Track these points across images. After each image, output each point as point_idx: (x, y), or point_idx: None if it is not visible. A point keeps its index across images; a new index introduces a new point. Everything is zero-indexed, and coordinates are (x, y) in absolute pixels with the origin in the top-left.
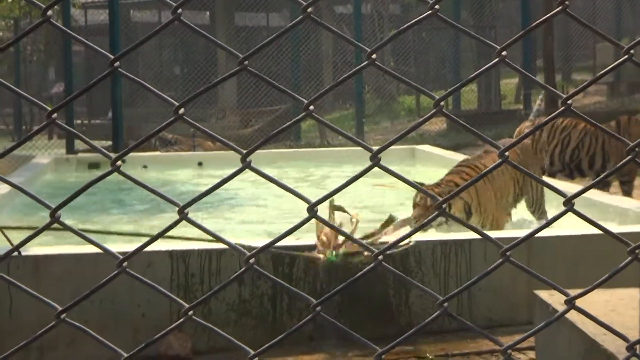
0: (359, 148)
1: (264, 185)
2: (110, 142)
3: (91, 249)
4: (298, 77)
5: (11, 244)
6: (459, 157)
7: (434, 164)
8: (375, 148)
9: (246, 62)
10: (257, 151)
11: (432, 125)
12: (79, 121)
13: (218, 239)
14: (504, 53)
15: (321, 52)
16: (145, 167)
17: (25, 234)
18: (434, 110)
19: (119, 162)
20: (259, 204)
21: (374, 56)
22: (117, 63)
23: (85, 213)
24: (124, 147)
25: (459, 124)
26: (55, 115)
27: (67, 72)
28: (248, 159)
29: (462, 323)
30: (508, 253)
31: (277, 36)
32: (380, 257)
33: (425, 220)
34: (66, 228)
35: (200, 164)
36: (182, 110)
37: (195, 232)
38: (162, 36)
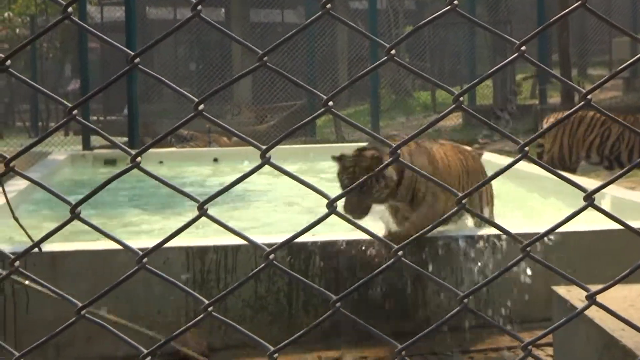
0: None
1: (281, 181)
2: (126, 139)
3: (108, 245)
4: (313, 73)
5: (32, 240)
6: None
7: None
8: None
9: (265, 59)
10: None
11: (448, 121)
12: (94, 117)
13: (238, 234)
14: (523, 48)
15: (336, 48)
16: (161, 163)
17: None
18: (454, 106)
19: (139, 159)
20: (276, 199)
21: (393, 52)
22: (137, 59)
23: (101, 209)
24: (139, 144)
25: (478, 119)
26: (75, 111)
27: (83, 69)
28: (267, 155)
29: (479, 319)
30: (528, 249)
31: (296, 32)
32: (400, 252)
33: (445, 216)
34: (87, 224)
35: (216, 160)
36: (202, 107)
37: (213, 228)
38: (178, 33)
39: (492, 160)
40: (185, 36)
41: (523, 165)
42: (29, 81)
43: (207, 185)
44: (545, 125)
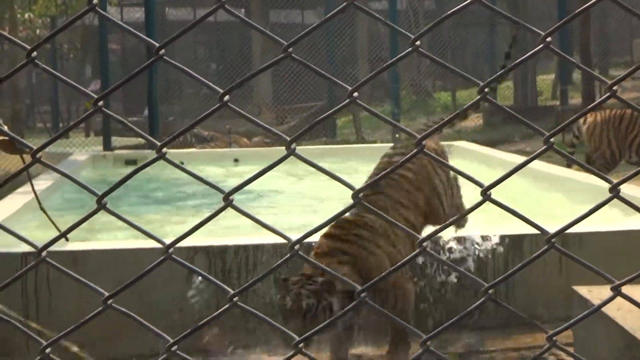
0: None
1: (300, 183)
2: None
3: (128, 245)
4: (334, 73)
5: (58, 230)
6: (495, 153)
7: (471, 160)
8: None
9: (290, 50)
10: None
11: (469, 122)
12: None
13: (262, 224)
14: (548, 39)
15: (356, 49)
16: (182, 163)
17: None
18: (479, 97)
19: (165, 150)
20: (293, 201)
21: (417, 43)
22: (162, 51)
23: (114, 206)
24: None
25: (504, 112)
26: (101, 103)
27: (104, 70)
28: (292, 146)
29: (498, 318)
30: (553, 240)
31: (321, 24)
32: (425, 243)
33: (471, 207)
34: (113, 214)
35: (236, 160)
36: (227, 98)
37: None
38: (198, 34)
39: (514, 161)
40: (205, 37)
41: (539, 165)
42: (55, 72)
43: (229, 185)
44: (582, 125)
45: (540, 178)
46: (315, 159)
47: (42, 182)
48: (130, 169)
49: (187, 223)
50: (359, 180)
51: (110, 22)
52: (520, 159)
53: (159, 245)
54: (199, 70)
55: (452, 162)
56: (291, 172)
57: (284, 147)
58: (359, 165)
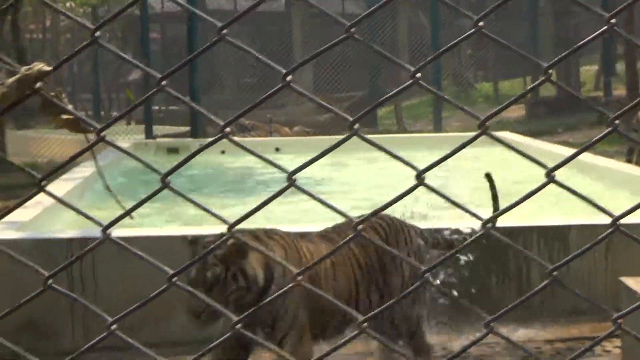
0: (437, 134)
1: (339, 174)
2: (188, 128)
3: (176, 231)
4: (375, 63)
5: (123, 208)
6: (538, 144)
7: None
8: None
9: (353, 30)
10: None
11: (511, 113)
12: (156, 107)
13: (325, 204)
14: (612, 20)
15: (397, 39)
16: (223, 152)
17: None
18: (544, 78)
19: (228, 129)
20: (332, 191)
21: (481, 24)
22: (225, 31)
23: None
24: (202, 133)
25: (566, 91)
26: (165, 82)
27: (145, 59)
28: (355, 126)
29: (543, 310)
30: (618, 222)
31: (384, 4)
32: (490, 224)
33: (536, 188)
34: (176, 193)
35: (277, 149)
36: (289, 78)
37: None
38: (239, 24)
39: (558, 152)
40: (247, 27)
41: (585, 157)
42: (119, 52)
43: (271, 174)
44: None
45: (587, 169)
46: (357, 149)
47: (86, 170)
48: (172, 158)
49: (228, 208)
50: (400, 167)
51: (150, 13)
52: (564, 149)
53: (201, 233)
54: (241, 61)
55: (495, 150)
56: (335, 163)
57: (325, 137)
58: (400, 155)
